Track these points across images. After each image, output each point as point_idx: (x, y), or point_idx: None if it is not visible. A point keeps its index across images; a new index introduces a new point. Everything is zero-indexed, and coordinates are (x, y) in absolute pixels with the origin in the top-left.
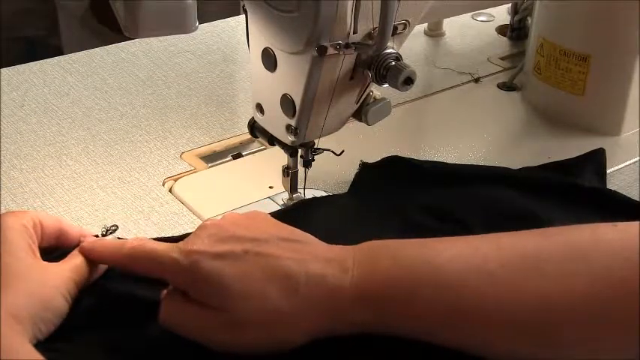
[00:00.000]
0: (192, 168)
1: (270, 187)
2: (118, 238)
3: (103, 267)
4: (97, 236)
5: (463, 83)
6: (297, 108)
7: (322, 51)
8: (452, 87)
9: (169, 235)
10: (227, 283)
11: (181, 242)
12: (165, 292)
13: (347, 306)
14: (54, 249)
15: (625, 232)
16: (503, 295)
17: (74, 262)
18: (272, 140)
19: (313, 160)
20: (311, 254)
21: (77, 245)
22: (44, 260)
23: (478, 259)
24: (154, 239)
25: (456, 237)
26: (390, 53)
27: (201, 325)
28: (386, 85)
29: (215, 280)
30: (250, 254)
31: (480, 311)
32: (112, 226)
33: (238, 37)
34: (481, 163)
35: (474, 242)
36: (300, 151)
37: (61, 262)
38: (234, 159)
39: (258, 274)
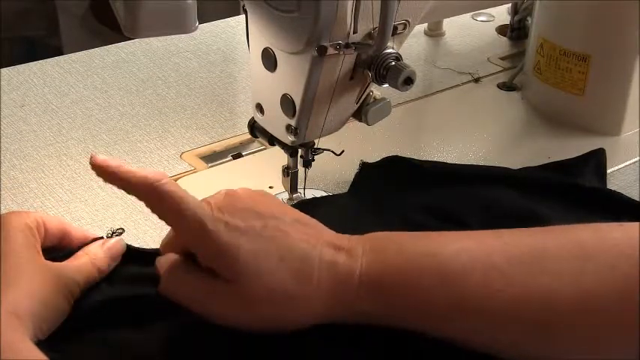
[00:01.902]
0: (192, 168)
1: (270, 187)
2: (127, 245)
3: (105, 268)
4: (101, 238)
5: (463, 83)
6: (297, 108)
7: (322, 51)
8: (452, 87)
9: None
10: (242, 257)
11: (206, 203)
12: (161, 260)
13: (354, 294)
14: (57, 250)
15: (628, 231)
16: (508, 288)
17: (77, 262)
18: (272, 140)
19: (313, 160)
20: (323, 239)
21: (80, 246)
22: (47, 260)
23: (483, 252)
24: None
25: (461, 232)
26: (390, 53)
27: (208, 297)
28: (386, 85)
29: (233, 253)
30: (270, 230)
31: (484, 304)
32: (119, 229)
33: (238, 37)
34: (481, 163)
35: (479, 237)
36: (300, 151)
37: (63, 262)
38: (234, 159)
39: (275, 252)
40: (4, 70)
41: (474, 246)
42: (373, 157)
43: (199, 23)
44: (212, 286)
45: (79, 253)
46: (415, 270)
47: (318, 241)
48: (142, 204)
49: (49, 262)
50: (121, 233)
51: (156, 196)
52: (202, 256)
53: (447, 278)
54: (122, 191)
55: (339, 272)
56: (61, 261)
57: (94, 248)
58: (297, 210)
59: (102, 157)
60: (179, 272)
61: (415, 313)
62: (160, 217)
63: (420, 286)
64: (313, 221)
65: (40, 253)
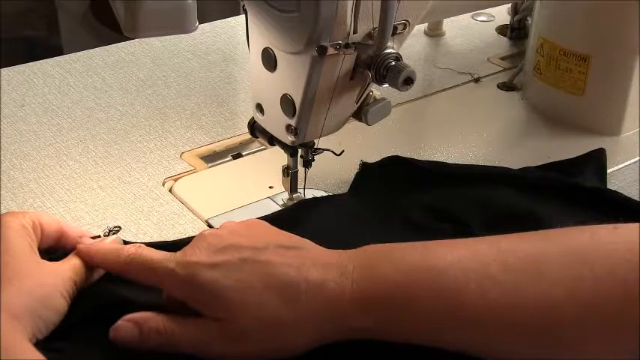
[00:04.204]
0: (192, 168)
1: (270, 187)
2: (124, 242)
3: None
4: (98, 236)
5: (463, 83)
6: (297, 108)
7: (322, 51)
8: (452, 87)
9: (169, 235)
10: (225, 294)
11: (178, 252)
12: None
13: (347, 312)
14: (54, 250)
15: (625, 234)
16: (505, 299)
17: (74, 261)
18: (272, 140)
19: (313, 160)
20: (310, 260)
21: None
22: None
23: (479, 263)
24: (151, 244)
25: (456, 240)
26: (390, 53)
27: (198, 337)
28: (386, 85)
29: (212, 290)
30: (249, 262)
31: (481, 315)
32: (115, 227)
33: (238, 37)
34: (481, 163)
35: (474, 246)
36: (300, 151)
37: (60, 261)
38: (234, 159)
39: (257, 282)
40: (4, 70)
41: (469, 256)
42: (373, 157)
43: (199, 23)
44: (202, 327)
45: (76, 251)
46: (409, 284)
47: (305, 262)
48: (141, 204)
49: (46, 262)
50: (117, 231)
51: (125, 267)
52: (187, 302)
53: (442, 290)
54: (122, 191)
55: (328, 290)
56: (58, 260)
57: None
58: (284, 233)
59: (84, 248)
60: (170, 322)
61: (410, 327)
62: (139, 281)
63: (414, 300)
64: (302, 242)
65: (37, 252)
